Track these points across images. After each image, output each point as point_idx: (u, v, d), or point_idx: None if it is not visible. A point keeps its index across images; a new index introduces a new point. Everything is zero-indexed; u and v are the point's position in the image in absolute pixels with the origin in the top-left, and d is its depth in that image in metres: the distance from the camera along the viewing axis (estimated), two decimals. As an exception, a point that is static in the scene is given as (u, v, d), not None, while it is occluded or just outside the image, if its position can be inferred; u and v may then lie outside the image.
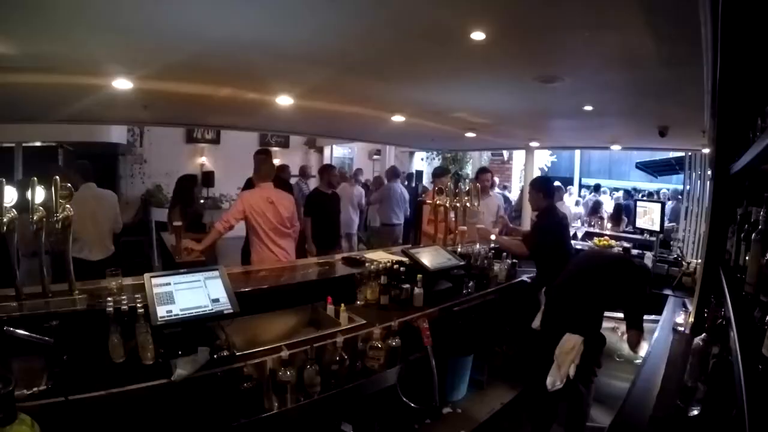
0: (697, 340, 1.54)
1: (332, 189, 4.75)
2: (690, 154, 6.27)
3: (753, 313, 1.09)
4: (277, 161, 8.11)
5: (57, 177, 1.79)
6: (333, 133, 6.34)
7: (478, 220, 4.03)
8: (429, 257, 2.76)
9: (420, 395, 2.30)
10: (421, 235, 4.37)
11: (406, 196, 6.63)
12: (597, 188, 10.23)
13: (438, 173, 4.86)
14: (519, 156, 9.78)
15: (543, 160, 11.21)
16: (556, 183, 4.78)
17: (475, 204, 3.67)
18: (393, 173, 6.77)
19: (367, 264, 2.65)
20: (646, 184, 12.68)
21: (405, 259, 2.77)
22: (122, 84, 2.46)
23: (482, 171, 4.97)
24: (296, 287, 2.50)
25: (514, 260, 3.66)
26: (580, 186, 12.45)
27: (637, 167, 11.72)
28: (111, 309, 1.67)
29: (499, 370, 3.19)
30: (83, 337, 1.66)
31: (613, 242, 4.52)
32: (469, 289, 2.88)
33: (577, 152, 13.69)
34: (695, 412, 1.46)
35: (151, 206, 7.03)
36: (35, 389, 1.37)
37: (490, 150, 9.96)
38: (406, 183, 7.40)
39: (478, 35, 1.77)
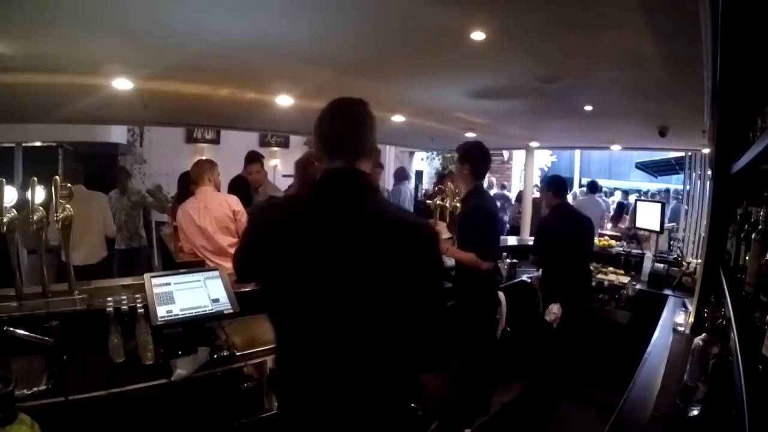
0: (697, 340, 1.54)
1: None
2: (690, 154, 6.26)
3: (753, 313, 1.09)
4: (277, 161, 8.14)
5: (57, 177, 1.80)
6: (333, 133, 6.31)
7: None
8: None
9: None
10: None
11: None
12: (593, 189, 10.18)
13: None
14: (519, 156, 9.76)
15: (543, 160, 11.20)
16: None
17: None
18: (401, 175, 6.39)
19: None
20: (647, 184, 12.67)
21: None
22: (122, 84, 2.46)
23: None
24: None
25: (514, 260, 3.65)
26: (580, 186, 12.45)
27: (637, 167, 11.72)
28: (111, 309, 1.67)
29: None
30: (83, 337, 1.66)
31: (613, 242, 4.51)
32: (469, 289, 2.87)
33: (577, 152, 13.70)
34: (695, 412, 1.46)
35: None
36: (35, 389, 1.38)
37: (490, 150, 9.95)
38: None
39: (478, 35, 1.77)
